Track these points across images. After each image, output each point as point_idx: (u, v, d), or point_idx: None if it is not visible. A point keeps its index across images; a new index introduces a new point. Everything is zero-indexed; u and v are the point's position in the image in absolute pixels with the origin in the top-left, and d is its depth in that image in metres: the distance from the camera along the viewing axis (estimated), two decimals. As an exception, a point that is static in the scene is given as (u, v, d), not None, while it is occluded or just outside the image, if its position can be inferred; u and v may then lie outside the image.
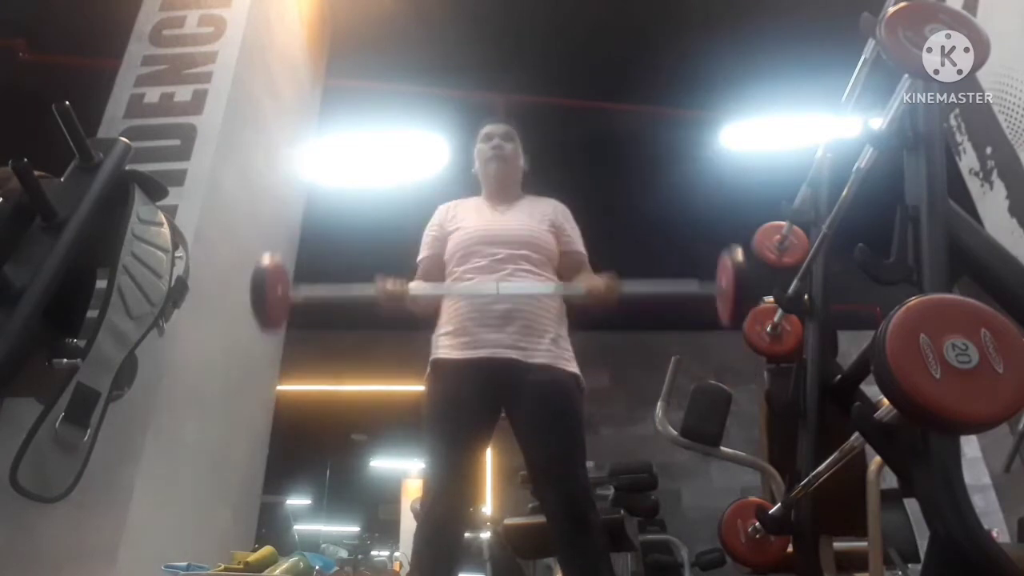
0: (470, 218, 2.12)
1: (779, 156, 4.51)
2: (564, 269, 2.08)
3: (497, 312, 1.88)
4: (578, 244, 2.13)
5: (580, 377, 1.91)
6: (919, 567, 2.14)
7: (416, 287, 1.87)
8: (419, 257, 2.13)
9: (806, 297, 2.05)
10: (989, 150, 2.76)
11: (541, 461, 1.80)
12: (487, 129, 2.23)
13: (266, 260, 1.79)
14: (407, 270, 2.10)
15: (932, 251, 1.28)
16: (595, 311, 1.85)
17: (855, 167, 1.67)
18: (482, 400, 1.86)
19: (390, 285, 1.82)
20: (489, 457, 6.68)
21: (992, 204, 2.72)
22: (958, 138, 2.94)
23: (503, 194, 2.17)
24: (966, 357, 0.86)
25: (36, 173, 1.77)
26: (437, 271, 2.08)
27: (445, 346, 1.92)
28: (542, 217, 2.11)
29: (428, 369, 1.95)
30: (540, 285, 1.87)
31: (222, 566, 2.10)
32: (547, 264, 2.03)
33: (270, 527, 6.14)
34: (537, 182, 2.30)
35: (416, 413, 1.91)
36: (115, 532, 2.10)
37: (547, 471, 1.79)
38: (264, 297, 1.76)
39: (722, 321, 1.82)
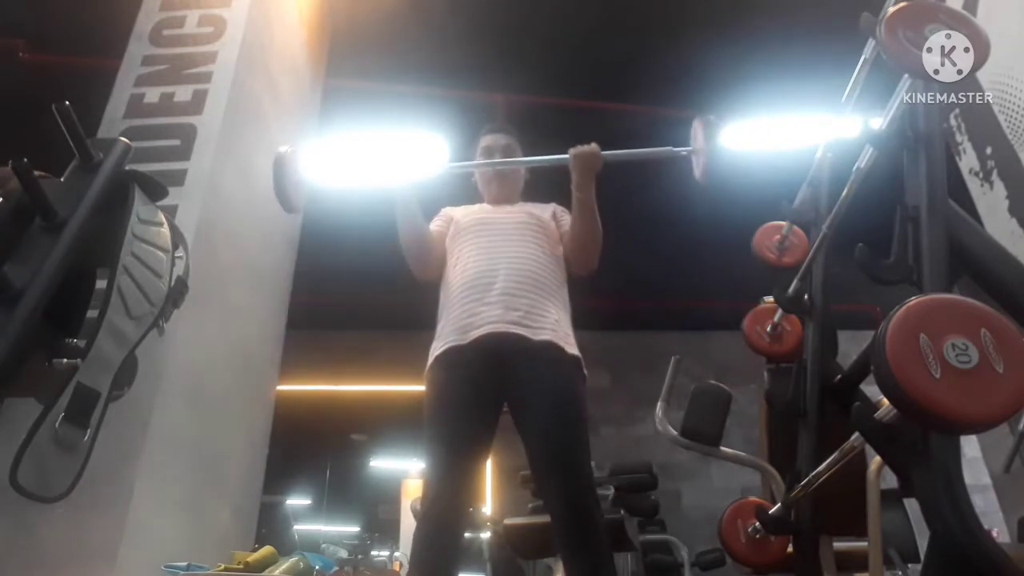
0: (472, 212, 2.21)
1: (779, 156, 4.51)
2: (568, 250, 2.11)
3: (497, 291, 1.90)
4: None
5: (581, 360, 1.91)
6: (919, 567, 2.14)
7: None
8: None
9: (806, 297, 2.05)
10: (989, 150, 2.76)
11: (545, 452, 1.78)
12: (487, 143, 2.25)
13: (283, 148, 2.04)
14: (407, 271, 2.10)
15: (932, 251, 1.27)
16: (583, 176, 1.96)
17: (855, 167, 1.67)
18: (483, 392, 1.84)
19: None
20: (489, 457, 6.67)
21: (992, 204, 2.72)
22: (958, 138, 2.94)
23: (505, 203, 2.23)
24: (966, 357, 0.86)
25: (36, 173, 1.77)
26: (439, 242, 2.15)
27: (444, 335, 1.93)
28: (542, 211, 2.19)
29: (428, 364, 1.93)
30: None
31: (222, 566, 2.11)
32: (550, 240, 2.10)
33: (270, 527, 6.13)
34: (537, 183, 2.30)
35: (416, 413, 1.91)
36: (115, 532, 2.10)
37: (551, 462, 1.76)
38: (285, 181, 1.98)
39: (697, 178, 1.99)
